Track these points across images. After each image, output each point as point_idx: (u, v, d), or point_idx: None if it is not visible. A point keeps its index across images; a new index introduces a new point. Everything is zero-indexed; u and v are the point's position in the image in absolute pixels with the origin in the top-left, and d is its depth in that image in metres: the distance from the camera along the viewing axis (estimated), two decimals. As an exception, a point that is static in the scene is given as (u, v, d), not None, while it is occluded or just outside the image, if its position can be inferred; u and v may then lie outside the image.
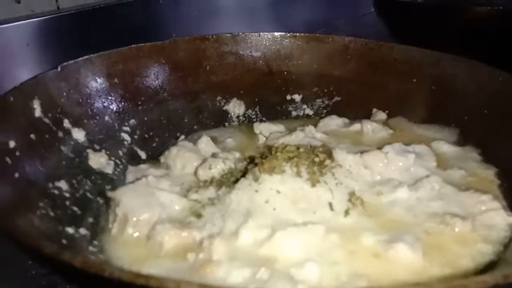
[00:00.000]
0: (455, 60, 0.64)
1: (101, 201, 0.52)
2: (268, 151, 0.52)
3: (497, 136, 0.57)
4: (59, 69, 0.58)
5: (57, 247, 0.26)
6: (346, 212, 0.46)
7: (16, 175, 0.43)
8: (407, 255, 0.40)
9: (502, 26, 0.86)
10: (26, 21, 0.94)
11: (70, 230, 0.43)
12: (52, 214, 0.43)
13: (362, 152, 0.53)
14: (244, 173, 0.51)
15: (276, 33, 0.75)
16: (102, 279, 0.24)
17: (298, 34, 0.75)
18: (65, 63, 0.59)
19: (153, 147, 0.64)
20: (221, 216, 0.46)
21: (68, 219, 0.45)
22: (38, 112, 0.52)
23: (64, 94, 0.57)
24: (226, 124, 0.72)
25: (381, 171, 0.52)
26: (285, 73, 0.75)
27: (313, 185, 0.47)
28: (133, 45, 0.67)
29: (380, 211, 0.47)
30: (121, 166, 0.59)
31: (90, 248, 0.43)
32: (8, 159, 0.43)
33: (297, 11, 1.49)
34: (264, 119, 0.73)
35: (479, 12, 0.89)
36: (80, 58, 0.61)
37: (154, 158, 0.62)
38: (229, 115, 0.73)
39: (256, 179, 0.47)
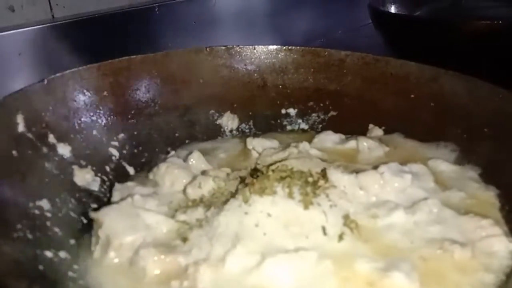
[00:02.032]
0: (454, 77, 0.63)
1: (84, 220, 0.50)
2: (260, 171, 0.50)
3: (497, 155, 0.55)
4: (45, 82, 0.56)
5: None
6: (340, 237, 0.44)
7: (-7, 195, 0.41)
8: (403, 285, 0.38)
9: (501, 40, 0.84)
10: (19, 30, 0.93)
11: (48, 254, 0.41)
12: (30, 236, 0.41)
13: (357, 172, 0.51)
14: (234, 193, 0.49)
15: (271, 46, 0.73)
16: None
17: (293, 47, 0.74)
18: (51, 76, 0.57)
19: (142, 162, 0.62)
20: (208, 240, 0.43)
21: (48, 242, 0.43)
22: (21, 127, 0.50)
23: (50, 108, 0.55)
24: (219, 138, 0.70)
25: (376, 192, 0.50)
26: (280, 86, 0.74)
27: (306, 207, 0.45)
28: (124, 57, 0.65)
29: (376, 236, 0.45)
30: (107, 183, 0.57)
31: (70, 273, 0.41)
32: (-15, 179, 0.41)
33: (295, 22, 1.48)
34: (258, 132, 0.71)
35: (478, 26, 0.88)
36: (67, 71, 0.59)
37: (142, 174, 0.60)
38: (222, 129, 0.71)
39: (246, 201, 0.45)
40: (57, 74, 0.58)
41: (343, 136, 0.66)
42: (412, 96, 0.67)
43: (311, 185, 0.48)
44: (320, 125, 0.72)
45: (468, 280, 0.40)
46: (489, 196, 0.51)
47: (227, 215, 0.45)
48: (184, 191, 0.54)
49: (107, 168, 0.59)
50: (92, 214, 0.46)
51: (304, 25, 1.49)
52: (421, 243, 0.44)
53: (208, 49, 0.71)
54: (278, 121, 0.73)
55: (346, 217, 0.46)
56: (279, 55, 0.73)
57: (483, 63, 0.80)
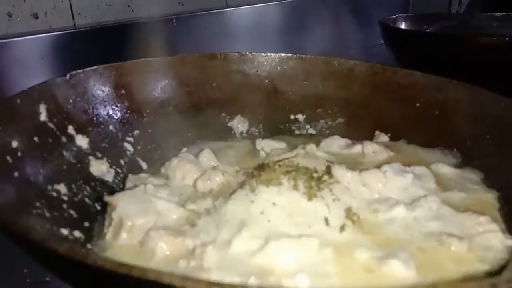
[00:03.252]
0: (458, 86, 0.65)
1: (98, 207, 0.52)
2: (267, 165, 0.52)
3: (499, 161, 0.56)
4: (67, 77, 0.59)
5: (44, 234, 0.26)
6: (342, 228, 0.46)
7: (16, 174, 0.44)
8: (400, 272, 0.40)
9: (509, 56, 0.86)
10: (42, 35, 0.97)
11: (64, 231, 0.44)
12: (48, 214, 0.44)
13: (361, 170, 0.53)
14: (241, 185, 0.51)
15: (282, 54, 0.77)
16: (86, 266, 0.24)
17: (304, 56, 0.77)
18: (73, 72, 0.60)
19: (155, 159, 0.65)
20: (215, 226, 0.45)
21: (64, 221, 0.45)
22: (43, 117, 0.53)
23: (71, 101, 0.59)
24: (229, 139, 0.73)
25: (379, 190, 0.52)
26: (290, 93, 0.76)
27: (310, 199, 0.47)
28: (142, 59, 0.69)
29: (376, 229, 0.47)
30: (121, 175, 0.59)
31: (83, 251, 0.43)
32: (9, 158, 0.44)
33: (308, 40, 1.51)
34: (267, 135, 0.73)
35: (487, 42, 0.90)
36: (88, 68, 0.62)
37: (155, 168, 0.62)
38: (232, 131, 0.74)
39: (252, 190, 0.47)
40: (79, 70, 0.61)
41: (349, 141, 0.68)
42: (418, 104, 0.69)
43: (316, 180, 0.50)
44: (328, 131, 0.75)
45: (464, 270, 0.41)
46: (489, 197, 0.52)
47: (234, 204, 0.47)
48: (194, 184, 0.56)
49: (122, 162, 0.61)
50: (106, 198, 0.49)
51: (317, 43, 1.53)
52: (420, 236, 0.45)
53: (222, 55, 0.75)
54: (287, 125, 0.76)
55: (348, 210, 0.48)
56: (290, 63, 0.76)
57: (491, 78, 0.81)
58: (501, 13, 1.24)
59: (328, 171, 0.52)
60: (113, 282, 0.25)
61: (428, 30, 1.16)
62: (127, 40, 1.09)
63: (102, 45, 1.06)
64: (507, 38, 0.87)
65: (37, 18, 1.01)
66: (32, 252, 0.30)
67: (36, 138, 0.50)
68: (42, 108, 0.53)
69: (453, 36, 0.95)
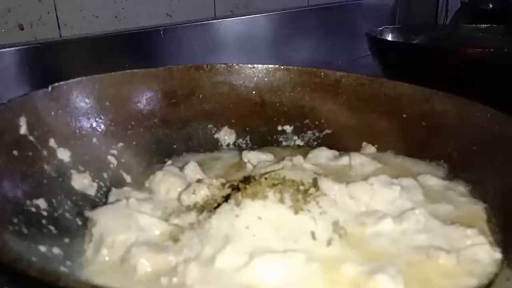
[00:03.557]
0: (444, 97, 0.65)
1: (79, 222, 0.51)
2: (253, 178, 0.52)
3: (486, 172, 0.56)
4: (49, 88, 0.58)
5: (15, 256, 0.25)
6: (329, 242, 0.45)
7: (-8, 189, 0.42)
8: (388, 287, 0.39)
9: (495, 68, 0.87)
10: (27, 46, 0.96)
11: (42, 248, 0.42)
12: (25, 231, 0.42)
13: (348, 183, 0.53)
14: (226, 199, 0.50)
15: (269, 65, 0.76)
16: (57, 289, 0.23)
17: (291, 67, 0.76)
18: (56, 84, 0.59)
19: (139, 172, 0.63)
20: (199, 241, 0.44)
21: (42, 238, 0.44)
22: (23, 130, 0.52)
23: (53, 113, 0.57)
24: (216, 151, 0.72)
25: (366, 202, 0.51)
26: (277, 104, 0.76)
27: (296, 212, 0.46)
28: (127, 70, 0.68)
29: (364, 243, 0.46)
30: (104, 189, 0.58)
31: (62, 268, 0.42)
32: (-15, 173, 0.43)
33: (296, 51, 1.52)
34: (254, 147, 0.73)
35: (473, 54, 0.91)
36: (71, 80, 0.61)
37: (139, 182, 0.61)
38: (219, 143, 0.73)
39: (237, 204, 0.46)
40: (62, 82, 0.60)
41: (336, 153, 0.68)
42: (405, 115, 0.69)
43: (302, 193, 0.49)
44: (315, 142, 0.74)
45: (452, 285, 0.40)
46: (476, 209, 0.52)
47: (218, 218, 0.46)
48: (178, 198, 0.55)
49: (105, 175, 0.60)
50: (87, 213, 0.48)
51: (305, 55, 1.53)
52: (408, 250, 0.45)
53: (208, 66, 0.74)
54: (274, 137, 0.75)
55: (335, 224, 0.47)
56: (277, 74, 0.76)
57: (476, 89, 0.82)
58: (486, 25, 1.25)
59: (315, 183, 0.51)
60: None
61: (414, 42, 1.17)
62: (113, 53, 1.09)
63: (88, 56, 1.06)
64: (492, 50, 0.87)
65: (22, 29, 1.00)
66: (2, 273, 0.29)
67: (15, 152, 0.49)
68: (23, 121, 0.52)
69: (439, 47, 0.95)
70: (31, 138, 0.53)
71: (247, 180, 0.51)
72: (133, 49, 1.14)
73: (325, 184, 0.51)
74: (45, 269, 0.24)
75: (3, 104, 0.51)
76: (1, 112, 0.50)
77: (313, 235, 0.45)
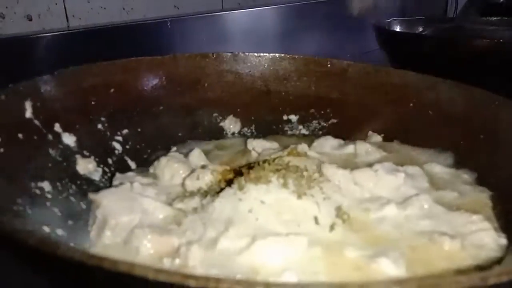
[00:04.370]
0: (451, 85, 0.64)
1: (84, 206, 0.51)
2: (256, 163, 0.51)
3: (492, 160, 0.55)
4: (56, 74, 0.58)
5: (13, 226, 0.25)
6: (332, 227, 0.45)
7: (-4, 169, 0.43)
8: (390, 270, 0.38)
9: (502, 58, 0.86)
10: (35, 36, 0.97)
11: (46, 229, 0.42)
12: (29, 212, 0.43)
13: (352, 169, 0.52)
14: (230, 183, 0.50)
15: (275, 54, 0.76)
16: (56, 258, 0.23)
17: (297, 56, 0.76)
18: (63, 69, 0.60)
19: (144, 158, 0.64)
20: (202, 224, 0.44)
21: (46, 219, 0.44)
22: (29, 113, 0.52)
23: (59, 99, 0.58)
24: (221, 140, 0.72)
25: (370, 189, 0.51)
26: (283, 93, 0.75)
27: (299, 197, 0.46)
28: (133, 58, 0.68)
29: (367, 227, 0.46)
30: (108, 174, 0.58)
31: (65, 248, 0.42)
32: (-10, 154, 0.43)
33: (303, 45, 1.51)
34: (259, 135, 0.72)
35: (481, 45, 0.90)
36: (79, 66, 0.62)
37: (143, 168, 0.61)
38: (224, 132, 0.73)
39: (241, 188, 0.46)
40: (69, 68, 0.60)
41: (342, 141, 0.67)
42: (411, 104, 0.68)
43: (306, 178, 0.49)
44: (321, 132, 0.74)
45: (455, 267, 0.40)
46: (482, 197, 0.51)
47: (221, 202, 0.46)
48: (182, 184, 0.55)
49: (109, 161, 0.60)
50: (91, 195, 0.48)
51: (313, 48, 1.52)
52: (411, 235, 0.44)
53: (214, 55, 0.74)
54: (280, 126, 0.75)
55: (338, 209, 0.47)
56: (283, 63, 0.76)
57: (485, 80, 0.81)
58: (496, 17, 1.24)
59: (319, 169, 0.51)
60: (86, 275, 0.24)
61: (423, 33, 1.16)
62: (121, 44, 1.09)
63: (96, 47, 1.06)
64: (501, 41, 0.86)
65: (30, 20, 1.00)
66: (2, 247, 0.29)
67: (20, 135, 0.49)
68: (28, 105, 0.52)
69: (448, 39, 0.94)
70: (36, 122, 0.53)
71: (250, 164, 0.51)
72: (140, 40, 1.14)
73: (329, 170, 0.51)
74: (45, 238, 0.24)
75: (9, 87, 0.51)
76: (7, 95, 0.50)
77: (316, 219, 0.45)
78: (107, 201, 0.46)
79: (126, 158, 0.62)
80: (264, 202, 0.45)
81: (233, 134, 0.73)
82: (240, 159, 0.63)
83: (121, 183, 0.52)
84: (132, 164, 0.62)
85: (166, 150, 0.66)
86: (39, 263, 0.26)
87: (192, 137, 0.70)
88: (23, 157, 0.48)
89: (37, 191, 0.47)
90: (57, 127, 0.56)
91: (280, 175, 0.48)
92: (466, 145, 0.60)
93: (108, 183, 0.57)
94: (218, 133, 0.72)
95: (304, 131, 0.74)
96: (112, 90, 0.65)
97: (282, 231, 0.43)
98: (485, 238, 0.43)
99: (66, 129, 0.56)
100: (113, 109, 0.64)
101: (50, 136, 0.54)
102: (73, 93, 0.60)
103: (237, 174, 0.53)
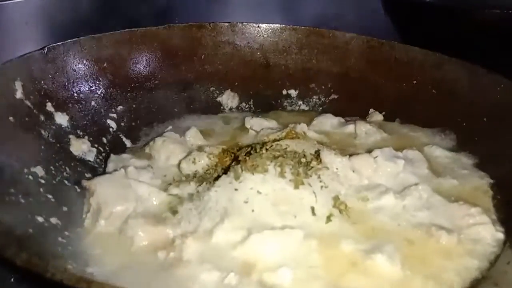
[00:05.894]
0: (457, 64, 0.62)
1: (78, 189, 0.50)
2: (254, 149, 0.50)
3: (495, 145, 0.54)
4: (45, 50, 0.56)
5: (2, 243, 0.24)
6: (328, 218, 0.44)
7: (-14, 159, 0.41)
8: (385, 266, 0.38)
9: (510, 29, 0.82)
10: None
11: (40, 218, 0.42)
12: (22, 201, 0.42)
13: (351, 155, 0.51)
14: (226, 170, 0.49)
15: (275, 25, 0.73)
16: (44, 280, 0.22)
17: (298, 27, 0.73)
18: (52, 45, 0.57)
19: (139, 136, 0.63)
20: (197, 214, 0.44)
21: (40, 208, 0.43)
22: (19, 94, 0.50)
23: (50, 76, 0.56)
24: (218, 115, 0.70)
25: (369, 176, 0.50)
26: (283, 67, 0.73)
27: (296, 187, 0.45)
28: (126, 30, 0.65)
29: (364, 218, 0.45)
30: (103, 154, 0.57)
31: (59, 239, 0.42)
32: (-22, 142, 0.42)
33: (306, 4, 1.45)
34: (258, 111, 0.71)
35: (489, 15, 0.86)
36: (68, 40, 0.59)
37: (139, 147, 0.60)
38: (222, 107, 0.71)
39: (237, 178, 0.45)
40: (58, 43, 0.58)
41: (342, 120, 0.66)
42: (415, 82, 0.66)
43: (304, 166, 0.48)
44: (321, 108, 0.72)
45: (453, 265, 0.40)
46: (482, 184, 0.51)
47: (217, 191, 0.45)
48: (178, 165, 0.54)
49: (104, 140, 0.59)
50: (85, 183, 0.47)
51: (317, 8, 1.46)
52: (408, 226, 0.44)
53: (211, 25, 0.71)
54: (279, 101, 0.73)
55: (336, 199, 0.46)
56: (283, 34, 0.73)
57: (492, 52, 0.78)
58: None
59: (317, 156, 0.50)
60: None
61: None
62: (118, 7, 1.05)
63: (91, 11, 1.01)
64: (511, 12, 0.82)
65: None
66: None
67: (11, 118, 0.48)
68: (18, 85, 0.51)
69: (456, 8, 0.90)
70: (27, 102, 0.51)
71: (247, 151, 0.50)
72: (138, 2, 1.09)
73: (328, 157, 0.50)
74: (32, 259, 0.23)
75: (-4, 68, 0.49)
76: (-5, 76, 0.48)
77: (312, 210, 0.44)
78: (101, 188, 0.45)
79: (121, 136, 0.61)
80: (260, 192, 0.44)
81: (230, 109, 0.71)
82: (237, 138, 0.62)
83: (115, 169, 0.50)
84: (127, 142, 0.61)
85: (162, 127, 0.64)
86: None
87: (188, 112, 0.68)
88: (14, 142, 0.47)
89: (30, 177, 0.46)
90: (49, 107, 0.54)
91: (277, 163, 0.47)
92: (468, 127, 0.59)
93: (103, 163, 0.56)
94: (215, 108, 0.70)
95: (303, 107, 0.73)
96: (105, 64, 0.62)
97: (278, 223, 0.42)
98: (482, 232, 0.43)
99: (58, 108, 0.55)
100: (107, 84, 0.62)
101: (42, 117, 0.52)
102: (65, 69, 0.58)
103: (233, 160, 0.52)
